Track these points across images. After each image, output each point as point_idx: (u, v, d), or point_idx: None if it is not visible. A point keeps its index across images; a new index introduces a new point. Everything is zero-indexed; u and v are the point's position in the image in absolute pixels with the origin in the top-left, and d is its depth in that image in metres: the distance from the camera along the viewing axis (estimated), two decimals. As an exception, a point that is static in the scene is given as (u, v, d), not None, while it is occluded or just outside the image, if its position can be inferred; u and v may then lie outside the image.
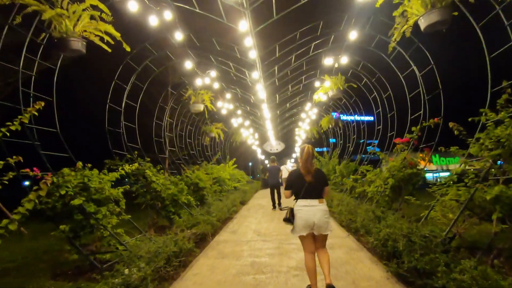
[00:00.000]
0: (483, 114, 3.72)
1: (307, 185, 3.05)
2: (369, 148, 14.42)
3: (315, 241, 3.06)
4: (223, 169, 12.27)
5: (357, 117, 14.04)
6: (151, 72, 8.01)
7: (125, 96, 7.06)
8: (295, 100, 13.25)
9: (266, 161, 35.62)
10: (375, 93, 8.82)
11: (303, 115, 14.92)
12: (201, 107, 9.57)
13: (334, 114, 18.75)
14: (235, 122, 14.59)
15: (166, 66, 8.04)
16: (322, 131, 15.03)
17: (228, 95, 10.08)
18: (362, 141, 14.03)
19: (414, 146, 6.19)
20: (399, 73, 7.02)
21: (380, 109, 8.72)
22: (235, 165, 15.64)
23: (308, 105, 12.99)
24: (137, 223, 8.03)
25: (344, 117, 16.65)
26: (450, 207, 3.72)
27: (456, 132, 3.62)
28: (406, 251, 3.13)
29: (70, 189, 3.79)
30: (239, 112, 12.87)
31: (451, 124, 3.63)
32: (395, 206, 6.08)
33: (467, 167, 3.74)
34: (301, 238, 3.05)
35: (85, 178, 4.08)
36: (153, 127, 9.49)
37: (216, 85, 8.81)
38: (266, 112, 11.28)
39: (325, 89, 8.90)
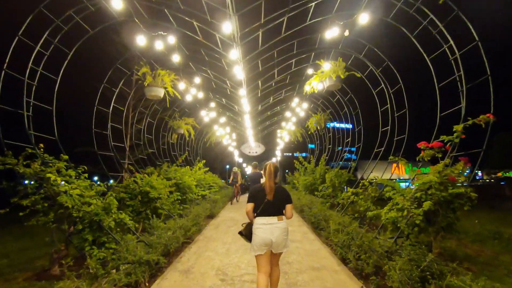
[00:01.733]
0: None
1: (267, 201, 2.98)
2: (348, 156, 12.79)
3: (271, 259, 2.98)
4: (189, 173, 10.00)
5: (337, 124, 12.81)
6: (84, 33, 5.70)
7: (32, 60, 4.72)
8: (280, 94, 11.27)
9: (244, 165, 33.46)
10: (383, 85, 7.02)
11: (287, 113, 12.99)
12: (160, 92, 7.34)
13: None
14: (209, 117, 12.40)
15: (108, 25, 5.72)
16: (309, 132, 13.16)
17: (197, 79, 7.88)
18: (344, 148, 12.34)
19: (451, 154, 4.36)
20: (425, 56, 5.22)
21: (388, 106, 6.90)
22: (207, 168, 13.40)
23: (294, 101, 11.06)
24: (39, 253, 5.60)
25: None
26: None
27: None
28: None
29: None
30: (212, 105, 10.69)
31: None
32: (424, 238, 4.20)
33: None
34: (258, 257, 2.94)
35: None
36: (107, 115, 7.21)
37: (178, 59, 6.61)
38: (245, 104, 9.18)
39: (320, 77, 7.00)
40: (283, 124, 15.58)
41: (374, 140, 9.44)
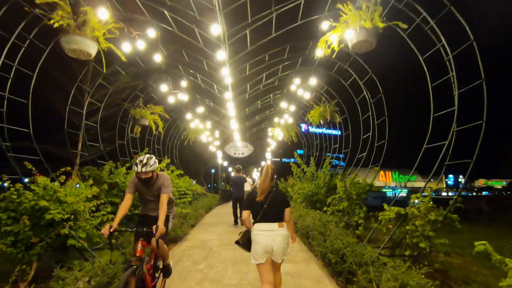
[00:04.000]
0: None
1: (265, 207, 2.82)
2: (335, 162, 10.74)
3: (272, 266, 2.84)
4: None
5: (325, 130, 12.25)
6: None
7: None
8: (275, 72, 8.57)
9: (230, 169, 30.53)
10: (440, 46, 4.45)
11: (283, 104, 10.38)
12: (89, 47, 4.61)
13: (302, 126, 14.58)
14: (185, 108, 9.63)
15: None
16: (313, 125, 10.52)
17: (152, 32, 5.10)
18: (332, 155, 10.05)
19: None
20: None
21: (452, 74, 4.32)
22: (180, 171, 10.55)
23: (294, 83, 8.45)
24: None
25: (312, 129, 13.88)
26: None
27: None
28: None
29: None
30: (184, 83, 7.92)
31: None
32: None
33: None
34: (259, 266, 2.79)
35: None
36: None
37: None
38: (228, 80, 6.40)
39: (344, 28, 4.41)
40: (276, 120, 12.92)
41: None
